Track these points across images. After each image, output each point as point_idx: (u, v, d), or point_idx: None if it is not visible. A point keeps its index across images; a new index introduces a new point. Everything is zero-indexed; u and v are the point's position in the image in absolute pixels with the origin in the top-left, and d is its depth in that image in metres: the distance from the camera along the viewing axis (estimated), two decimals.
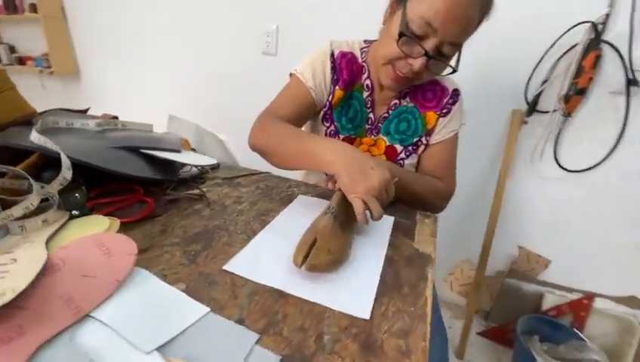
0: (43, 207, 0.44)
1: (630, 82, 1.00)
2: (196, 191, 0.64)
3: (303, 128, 0.82)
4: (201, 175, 0.74)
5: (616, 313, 1.25)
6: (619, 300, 1.26)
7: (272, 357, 0.32)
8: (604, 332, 1.27)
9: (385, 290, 0.43)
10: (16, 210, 0.38)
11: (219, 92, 1.63)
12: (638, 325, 1.22)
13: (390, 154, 0.78)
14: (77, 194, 0.51)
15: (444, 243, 1.46)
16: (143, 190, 0.58)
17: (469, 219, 1.35)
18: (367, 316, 0.38)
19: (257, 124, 0.69)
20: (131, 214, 0.53)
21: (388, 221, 0.61)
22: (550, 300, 1.33)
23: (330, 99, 0.75)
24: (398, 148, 0.77)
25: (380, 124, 0.77)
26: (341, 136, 0.78)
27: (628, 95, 1.02)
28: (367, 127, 0.78)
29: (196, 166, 0.65)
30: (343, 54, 0.74)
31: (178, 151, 0.62)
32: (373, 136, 0.78)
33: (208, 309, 0.37)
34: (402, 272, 0.47)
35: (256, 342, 0.34)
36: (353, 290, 0.42)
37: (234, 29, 1.52)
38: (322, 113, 0.78)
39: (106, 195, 0.54)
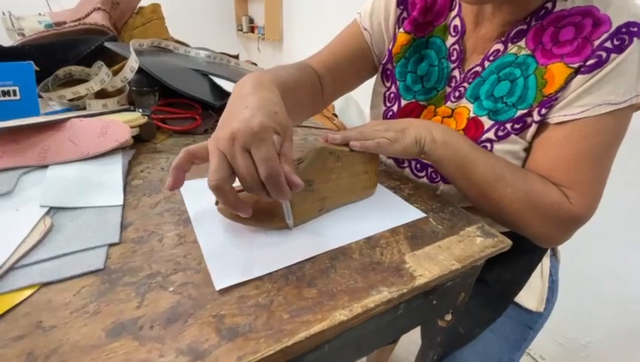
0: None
1: None
2: None
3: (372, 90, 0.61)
4: None
5: None
6: None
7: (98, 262, 0.29)
8: None
9: (283, 277, 0.30)
10: (82, 89, 0.51)
11: None
12: None
13: (472, 131, 0.48)
14: (150, 98, 0.62)
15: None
16: (201, 110, 0.65)
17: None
18: (217, 286, 0.28)
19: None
20: (179, 125, 0.61)
21: (408, 214, 0.41)
22: None
23: (390, 46, 0.54)
24: (487, 123, 0.46)
25: (466, 84, 0.48)
26: (403, 102, 0.54)
27: None
28: (449, 90, 0.51)
29: None
30: None
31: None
32: (449, 103, 0.51)
33: (121, 203, 0.37)
34: (337, 274, 0.31)
35: (110, 245, 0.31)
36: (245, 253, 0.32)
37: None
38: (382, 68, 0.56)
39: (171, 106, 0.64)
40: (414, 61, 0.53)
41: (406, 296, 0.30)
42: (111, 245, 0.32)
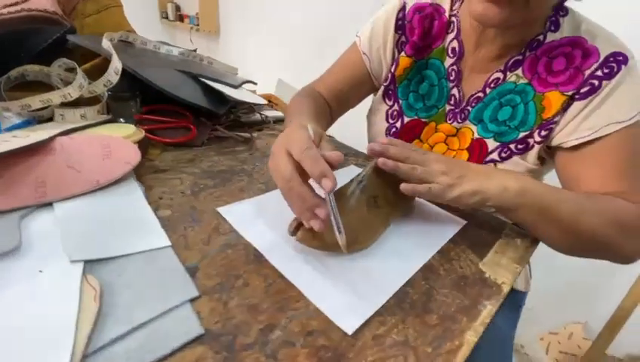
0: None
1: None
2: (245, 134, 0.60)
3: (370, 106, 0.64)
4: (261, 123, 0.69)
5: None
6: None
7: (193, 327, 0.24)
8: None
9: (398, 308, 0.29)
10: (55, 96, 0.40)
11: (325, 59, 1.59)
12: None
13: (475, 151, 0.52)
14: (130, 105, 0.52)
15: (557, 289, 1.10)
16: (193, 118, 0.56)
17: (604, 265, 0.96)
18: (349, 329, 0.25)
19: (294, 96, 0.57)
20: (172, 136, 0.52)
21: (453, 224, 0.44)
22: None
23: (393, 69, 0.56)
24: (491, 144, 0.50)
25: (469, 107, 0.52)
26: (406, 119, 0.57)
27: None
28: (449, 108, 0.54)
29: (245, 103, 0.60)
30: (419, 8, 0.54)
31: (235, 87, 0.58)
32: (455, 123, 0.54)
33: (169, 244, 0.31)
34: (440, 293, 0.31)
35: (191, 301, 0.26)
36: (350, 289, 0.29)
37: None
38: (383, 88, 0.58)
39: (156, 114, 0.54)
40: (416, 82, 0.56)
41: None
42: (191, 300, 0.26)
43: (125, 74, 0.49)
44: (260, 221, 0.37)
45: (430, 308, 0.29)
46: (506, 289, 0.33)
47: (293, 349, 0.23)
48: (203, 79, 0.56)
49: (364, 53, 0.56)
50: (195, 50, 0.80)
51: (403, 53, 0.54)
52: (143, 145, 0.47)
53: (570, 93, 0.45)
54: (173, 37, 2.58)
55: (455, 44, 0.52)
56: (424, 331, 0.27)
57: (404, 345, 0.25)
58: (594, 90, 0.43)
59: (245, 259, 0.31)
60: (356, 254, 0.34)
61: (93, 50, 0.49)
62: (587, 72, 0.44)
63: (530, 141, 0.49)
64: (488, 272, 0.35)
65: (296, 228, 0.32)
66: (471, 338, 0.27)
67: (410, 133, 0.58)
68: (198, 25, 2.24)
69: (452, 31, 0.53)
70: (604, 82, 0.43)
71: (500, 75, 0.50)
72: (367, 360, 0.24)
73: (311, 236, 0.32)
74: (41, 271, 0.25)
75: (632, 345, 0.96)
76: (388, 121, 0.60)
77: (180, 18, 2.42)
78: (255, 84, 0.80)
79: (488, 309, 0.30)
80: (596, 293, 1.00)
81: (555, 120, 0.46)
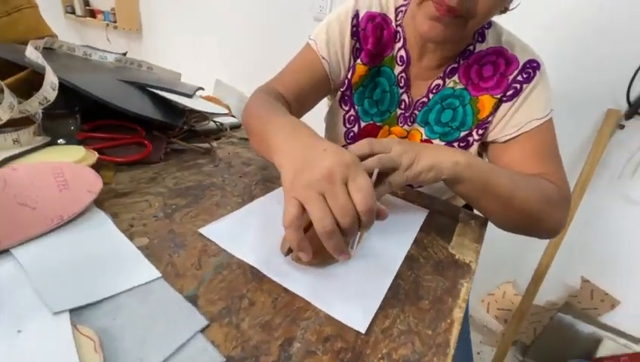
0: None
1: None
2: (204, 145, 0.57)
3: (326, 110, 0.67)
4: (218, 131, 0.67)
5: None
6: None
7: (213, 357, 0.23)
8: None
9: (395, 300, 0.32)
10: None
11: (265, 59, 1.57)
12: None
13: None
14: (69, 122, 0.46)
15: (488, 257, 1.28)
16: (144, 132, 0.52)
17: None
18: (362, 328, 0.27)
19: (250, 98, 0.54)
20: (125, 154, 0.47)
21: (419, 214, 0.48)
22: (609, 347, 1.09)
23: (349, 76, 0.59)
24: (438, 144, 0.57)
25: (416, 111, 0.58)
26: (363, 124, 0.61)
27: None
28: (400, 112, 0.59)
29: (205, 113, 0.58)
30: (371, 17, 0.56)
31: (189, 96, 0.55)
32: (406, 126, 0.60)
33: (159, 275, 0.29)
34: (425, 280, 0.35)
35: (202, 331, 0.25)
36: (351, 291, 0.31)
37: None
38: (340, 93, 0.61)
39: (102, 130, 0.49)
40: (370, 88, 0.60)
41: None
42: (202, 330, 0.25)
43: (59, 87, 0.43)
44: (247, 236, 0.36)
45: (421, 295, 0.33)
46: (473, 266, 0.39)
47: (315, 357, 0.24)
48: (153, 89, 0.52)
49: (323, 58, 0.57)
50: (125, 54, 0.73)
51: (359, 61, 0.57)
52: (95, 167, 0.42)
53: (498, 96, 0.53)
54: (84, 36, 2.26)
55: (403, 52, 0.57)
56: (421, 316, 0.30)
57: (409, 333, 0.28)
58: (517, 93, 0.52)
59: (244, 278, 0.31)
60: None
61: (13, 61, 0.41)
62: (510, 77, 0.52)
63: (470, 139, 0.56)
64: (457, 254, 0.41)
65: (289, 250, 0.33)
66: (458, 314, 0.31)
67: (367, 136, 0.61)
68: (115, 22, 2.00)
69: (399, 40, 0.57)
70: (524, 85, 0.52)
71: (440, 81, 0.56)
72: (382, 353, 0.26)
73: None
74: (20, 331, 0.21)
75: (550, 294, 1.17)
76: (345, 126, 0.63)
77: (91, 13, 2.12)
78: (203, 89, 0.76)
79: (465, 287, 0.35)
80: (519, 256, 1.18)
81: (488, 120, 0.54)
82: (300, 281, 0.31)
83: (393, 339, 0.27)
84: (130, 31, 2.01)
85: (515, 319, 1.14)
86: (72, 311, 0.24)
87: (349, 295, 0.31)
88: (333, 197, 0.29)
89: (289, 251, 0.33)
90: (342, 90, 0.61)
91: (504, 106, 0.53)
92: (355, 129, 0.62)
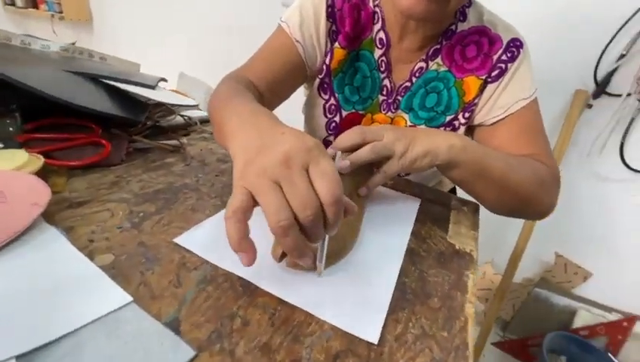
0: None
1: None
2: (173, 142, 0.51)
3: (303, 101, 0.62)
4: (187, 126, 0.61)
5: None
6: None
7: None
8: None
9: (403, 300, 0.29)
10: None
11: (232, 47, 1.48)
12: None
13: None
14: (7, 123, 0.38)
15: None
16: (101, 130, 0.45)
17: None
18: (374, 339, 0.24)
19: (217, 86, 0.48)
20: (79, 157, 0.41)
21: (412, 203, 0.46)
22: (584, 318, 1.16)
23: (328, 61, 0.54)
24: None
25: (399, 97, 0.55)
26: (344, 113, 0.57)
27: None
28: (382, 98, 0.56)
29: (171, 106, 0.52)
30: None
31: (151, 87, 0.49)
32: (389, 113, 0.57)
33: (130, 299, 0.24)
34: (430, 275, 0.33)
35: None
36: (356, 295, 0.28)
37: None
38: (319, 81, 0.56)
39: (48, 130, 0.42)
40: (350, 74, 0.55)
41: None
42: (192, 360, 0.21)
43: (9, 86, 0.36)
44: (218, 244, 0.32)
45: (429, 292, 0.30)
46: (475, 255, 0.37)
47: None
48: (108, 81, 0.45)
49: (297, 41, 0.52)
50: (73, 44, 0.64)
51: (337, 45, 0.53)
52: (41, 174, 0.35)
53: (484, 77, 0.51)
54: (27, 28, 2.03)
55: (382, 34, 0.53)
56: (433, 316, 0.28)
57: (424, 337, 0.25)
58: (502, 73, 0.50)
59: (233, 293, 0.27)
60: (344, 258, 0.33)
61: None
62: (495, 57, 0.50)
63: (456, 123, 0.54)
64: (457, 244, 0.39)
65: (283, 254, 0.29)
66: (470, 311, 0.29)
67: (350, 127, 0.58)
68: (61, 12, 1.80)
69: (377, 21, 0.53)
70: (509, 65, 0.50)
71: (423, 64, 0.53)
72: None
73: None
74: None
75: (526, 271, 1.21)
76: (326, 116, 0.59)
77: (34, 4, 1.90)
78: (166, 81, 0.69)
79: (471, 279, 0.33)
80: (497, 236, 1.21)
81: (475, 102, 0.52)
82: (297, 290, 0.27)
83: (409, 347, 0.24)
84: (79, 21, 1.83)
85: (496, 298, 1.18)
86: (19, 357, 0.19)
87: (354, 300, 0.27)
88: (291, 186, 0.24)
89: (282, 256, 0.29)
90: (320, 77, 0.56)
91: (490, 87, 0.51)
92: (337, 119, 0.58)
